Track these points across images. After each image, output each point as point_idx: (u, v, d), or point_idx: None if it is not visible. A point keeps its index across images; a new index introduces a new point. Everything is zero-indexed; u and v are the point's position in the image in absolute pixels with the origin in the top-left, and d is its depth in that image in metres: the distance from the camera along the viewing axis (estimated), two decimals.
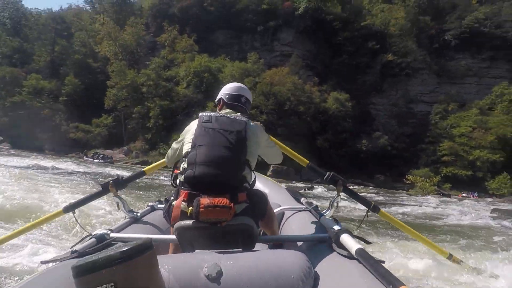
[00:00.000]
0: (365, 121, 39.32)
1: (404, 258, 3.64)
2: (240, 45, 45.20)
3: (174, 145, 1.82)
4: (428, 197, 21.04)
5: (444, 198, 21.27)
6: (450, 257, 2.15)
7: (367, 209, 1.88)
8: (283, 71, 37.06)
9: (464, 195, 29.04)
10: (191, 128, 1.66)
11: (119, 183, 2.02)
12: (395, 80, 40.34)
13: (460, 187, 31.41)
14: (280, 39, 44.14)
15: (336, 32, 41.92)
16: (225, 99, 1.83)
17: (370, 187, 29.63)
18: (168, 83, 38.88)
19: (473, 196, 28.01)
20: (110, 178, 2.06)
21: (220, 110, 1.82)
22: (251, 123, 1.67)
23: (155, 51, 46.26)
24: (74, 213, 2.01)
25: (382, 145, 35.42)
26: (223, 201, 1.35)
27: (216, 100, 1.91)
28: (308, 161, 2.16)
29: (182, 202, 1.45)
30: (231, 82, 2.02)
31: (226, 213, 1.34)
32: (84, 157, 29.86)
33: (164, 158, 2.09)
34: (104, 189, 2.02)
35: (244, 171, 1.54)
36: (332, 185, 1.88)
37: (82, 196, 2.10)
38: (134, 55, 44.98)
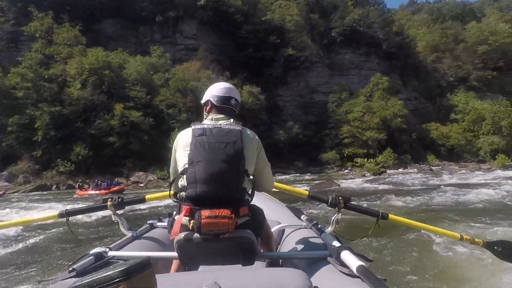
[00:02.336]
0: (275, 113, 41.70)
1: (406, 275, 3.74)
2: (138, 37, 40.46)
3: (171, 160, 1.73)
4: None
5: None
6: (461, 238, 2.18)
7: (376, 218, 1.93)
8: (195, 65, 35.21)
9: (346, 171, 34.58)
10: (184, 141, 1.59)
11: (118, 204, 2.00)
12: (297, 72, 43.92)
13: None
14: (183, 31, 41.62)
15: (239, 25, 42.34)
16: (214, 102, 1.72)
17: (294, 174, 31.95)
18: (52, 84, 31.52)
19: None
20: (110, 196, 2.04)
21: (208, 114, 1.74)
22: (247, 131, 1.64)
23: (19, 44, 36.45)
24: (67, 220, 2.02)
25: (295, 134, 38.43)
26: (224, 212, 1.36)
27: (202, 102, 1.80)
28: (308, 192, 2.21)
29: (184, 217, 1.46)
30: (217, 84, 1.82)
31: (227, 223, 1.35)
32: None
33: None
34: (103, 206, 2.01)
35: (244, 182, 1.53)
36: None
37: (79, 206, 2.03)
38: None
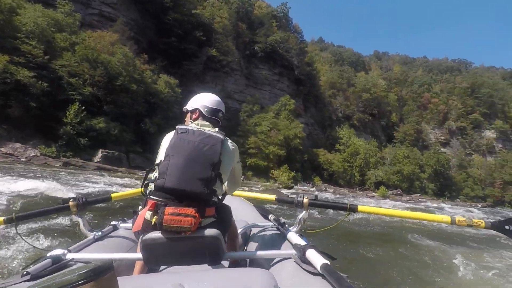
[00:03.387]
0: None
1: (368, 271, 3.86)
2: None
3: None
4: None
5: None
6: (453, 221, 1.93)
7: (345, 211, 1.87)
8: (111, 37, 31.32)
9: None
10: (168, 138, 1.66)
11: (83, 204, 1.91)
12: (216, 74, 44.03)
13: (259, 175, 39.55)
14: None
15: (166, 10, 39.91)
16: (203, 112, 1.84)
17: None
18: None
19: None
20: (72, 196, 2.11)
21: (195, 120, 1.81)
22: (228, 141, 1.73)
23: None
24: (16, 225, 1.79)
25: None
26: (188, 210, 1.38)
27: (188, 107, 1.91)
28: (275, 196, 2.27)
29: (148, 211, 1.49)
30: (207, 95, 1.97)
31: (190, 222, 1.36)
32: None
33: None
34: (64, 207, 1.89)
35: (215, 185, 1.55)
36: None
37: (34, 210, 1.88)
38: None
